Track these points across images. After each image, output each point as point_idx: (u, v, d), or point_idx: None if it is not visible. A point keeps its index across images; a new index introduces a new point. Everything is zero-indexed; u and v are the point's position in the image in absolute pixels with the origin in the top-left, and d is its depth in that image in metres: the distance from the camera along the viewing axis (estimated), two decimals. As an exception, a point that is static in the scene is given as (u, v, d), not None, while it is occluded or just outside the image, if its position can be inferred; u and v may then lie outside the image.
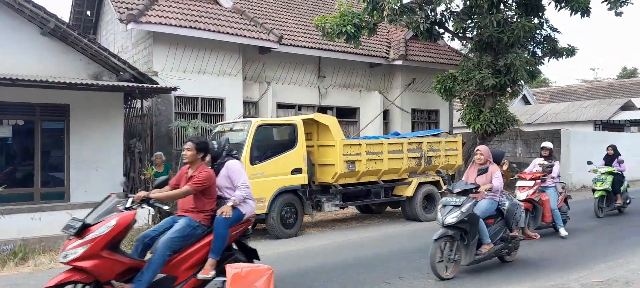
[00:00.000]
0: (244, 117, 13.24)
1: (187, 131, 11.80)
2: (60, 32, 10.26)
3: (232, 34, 12.99)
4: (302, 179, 10.02)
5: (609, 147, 12.36)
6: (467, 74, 14.31)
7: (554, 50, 15.67)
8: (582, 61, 76.54)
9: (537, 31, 15.06)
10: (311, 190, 10.49)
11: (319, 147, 10.78)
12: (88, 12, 16.30)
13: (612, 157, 12.04)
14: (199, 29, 12.49)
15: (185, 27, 12.29)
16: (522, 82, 15.01)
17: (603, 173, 11.53)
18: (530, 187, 8.72)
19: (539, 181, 8.88)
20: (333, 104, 15.97)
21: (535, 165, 9.70)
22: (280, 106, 14.85)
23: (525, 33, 13.52)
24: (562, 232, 9.21)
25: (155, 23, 11.89)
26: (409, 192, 11.34)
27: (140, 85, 10.44)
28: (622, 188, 11.93)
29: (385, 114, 17.10)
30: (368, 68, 16.66)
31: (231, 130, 10.09)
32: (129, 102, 12.67)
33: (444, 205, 6.64)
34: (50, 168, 11.13)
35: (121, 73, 10.94)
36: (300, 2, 17.63)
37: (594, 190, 11.65)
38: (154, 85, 10.67)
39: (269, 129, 10.26)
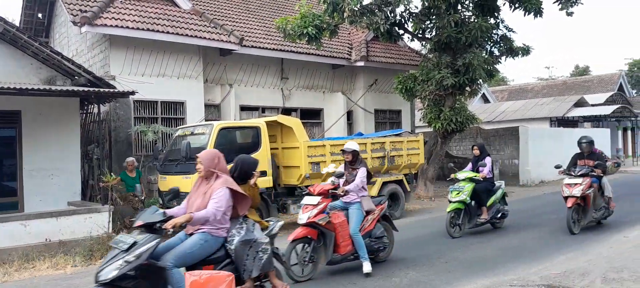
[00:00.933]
0: (205, 120, 13.03)
1: (147, 136, 11.52)
2: (10, 35, 9.83)
3: (191, 36, 12.78)
4: (266, 182, 9.93)
5: (474, 146, 9.81)
6: (427, 74, 14.57)
7: (510, 50, 16.15)
8: (538, 60, 79.33)
9: (494, 31, 15.49)
10: (276, 192, 10.42)
11: (283, 149, 10.72)
12: (40, 15, 15.69)
13: (478, 158, 9.53)
14: (157, 31, 12.21)
15: (143, 29, 11.99)
16: (481, 81, 15.41)
17: (462, 180, 9.08)
18: (314, 206, 6.50)
19: (330, 197, 6.73)
20: (297, 105, 15.93)
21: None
22: (243, 108, 14.69)
23: (482, 33, 13.87)
24: (366, 267, 6.63)
25: (111, 26, 11.56)
26: (373, 191, 11.39)
27: (96, 89, 10.10)
28: (492, 199, 9.37)
29: (349, 114, 17.18)
30: (331, 69, 16.71)
31: (192, 134, 9.90)
32: (85, 108, 12.26)
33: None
34: (2, 177, 10.64)
35: (76, 77, 10.57)
36: (260, 3, 17.52)
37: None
38: (111, 90, 10.35)
39: (231, 131, 10.12)
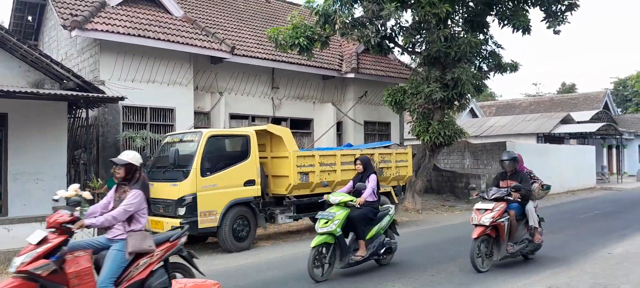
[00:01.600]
0: (195, 128, 12.99)
1: (135, 142, 11.44)
2: (-2, 37, 9.72)
3: (182, 43, 12.76)
4: (255, 191, 9.90)
5: (357, 160, 8.12)
6: (416, 87, 14.68)
7: (499, 66, 16.36)
8: (526, 76, 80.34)
9: (483, 47, 15.69)
10: (264, 202, 10.38)
11: (272, 158, 10.71)
12: (30, 18, 15.58)
13: (362, 175, 7.85)
14: (148, 37, 12.18)
15: (134, 35, 11.96)
16: (469, 95, 15.57)
17: (334, 205, 7.25)
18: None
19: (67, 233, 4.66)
20: (287, 115, 15.94)
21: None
22: (233, 117, 14.67)
23: (472, 48, 14.04)
24: None
25: (101, 30, 11.51)
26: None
27: (85, 94, 10.02)
28: (373, 230, 7.51)
29: (339, 125, 17.23)
30: (321, 80, 16.78)
31: (181, 141, 9.85)
32: (73, 112, 12.15)
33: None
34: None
35: (65, 81, 10.48)
36: (253, 13, 17.57)
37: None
38: (100, 95, 10.27)
39: (220, 139, 10.09)
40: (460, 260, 8.28)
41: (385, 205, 8.24)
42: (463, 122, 26.41)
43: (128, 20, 12.33)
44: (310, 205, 11.00)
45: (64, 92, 9.78)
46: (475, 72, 15.51)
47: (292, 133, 11.20)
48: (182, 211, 8.98)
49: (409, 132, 16.97)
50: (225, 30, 15.13)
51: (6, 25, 15.33)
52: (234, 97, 14.72)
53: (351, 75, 16.52)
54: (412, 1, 13.69)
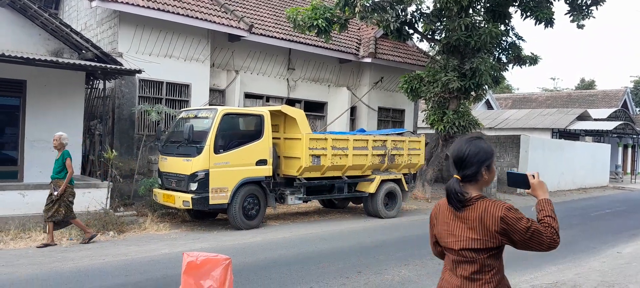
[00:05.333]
0: (210, 105, 13.05)
1: (150, 115, 11.54)
2: (20, 4, 9.82)
3: (201, 19, 12.75)
4: (266, 171, 9.96)
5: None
6: (433, 75, 14.56)
7: (518, 58, 16.14)
8: (544, 70, 79.09)
9: (503, 38, 15.46)
10: (275, 182, 10.45)
11: (285, 139, 10.74)
12: (51, -14, 15.66)
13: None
14: (168, 11, 12.19)
15: (153, 8, 11.97)
16: (486, 86, 15.40)
17: None
18: None
19: None
20: (301, 97, 15.93)
21: None
22: (248, 96, 14.70)
23: (492, 39, 13.84)
24: None
25: (121, 2, 11.53)
26: (371, 188, 11.45)
27: (103, 65, 10.12)
28: None
29: (353, 110, 17.19)
30: (337, 63, 16.69)
31: (196, 117, 9.92)
32: (91, 83, 12.27)
33: None
34: (3, 146, 10.68)
35: (83, 52, 10.58)
36: (272, -8, 17.47)
37: None
38: (118, 67, 10.36)
39: (235, 118, 10.15)
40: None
41: None
42: (478, 113, 26.18)
43: (148, -6, 12.34)
44: (321, 187, 11.06)
45: (82, 62, 9.87)
46: (494, 63, 15.31)
47: (306, 115, 11.21)
48: (194, 186, 9.09)
49: (423, 121, 16.85)
50: (244, 8, 15.08)
51: (28, -8, 15.43)
52: (250, 76, 14.73)
53: (368, 60, 16.42)
54: (434, -12, 13.51)
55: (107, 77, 11.15)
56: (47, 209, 7.91)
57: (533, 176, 2.41)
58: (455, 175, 2.40)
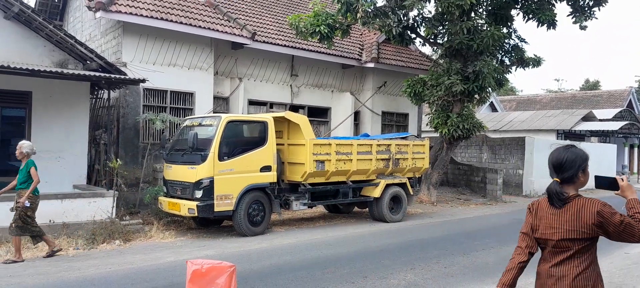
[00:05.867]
0: (214, 112, 13.10)
1: (155, 124, 11.60)
2: (25, 16, 9.93)
3: (204, 27, 12.84)
4: (271, 177, 9.99)
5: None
6: (436, 79, 14.56)
7: (521, 60, 16.12)
8: (548, 71, 78.89)
9: (506, 40, 15.46)
10: (280, 188, 10.46)
11: (289, 145, 10.77)
12: (55, -2, 15.81)
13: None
14: (171, 21, 12.28)
15: (157, 18, 12.06)
16: (490, 89, 15.39)
17: None
18: None
19: None
20: (305, 102, 15.97)
21: None
22: (251, 103, 14.75)
23: (494, 41, 13.85)
24: None
25: (125, 13, 11.63)
26: (376, 193, 11.45)
27: (107, 75, 10.20)
28: None
29: (356, 115, 17.21)
30: (340, 69, 16.74)
31: (200, 125, 9.97)
32: (95, 92, 12.36)
33: None
34: (10, 156, 10.74)
35: (88, 62, 10.66)
36: (274, -1, 17.56)
37: None
38: (122, 76, 10.43)
39: (239, 125, 10.18)
40: (474, 255, 8.27)
41: None
42: (482, 116, 26.12)
43: (151, 3, 12.44)
44: (325, 193, 11.06)
45: (87, 73, 9.96)
46: (497, 65, 15.31)
47: (310, 121, 11.23)
48: (199, 194, 9.12)
49: (427, 124, 16.87)
50: (247, 15, 15.16)
51: (32, 4, 15.59)
52: (253, 83, 14.78)
53: (371, 65, 16.45)
54: (435, -8, 13.54)
55: (112, 87, 11.24)
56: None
57: (621, 179, 2.81)
58: (554, 178, 2.82)
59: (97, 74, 10.12)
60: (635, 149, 31.51)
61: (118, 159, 10.57)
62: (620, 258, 8.28)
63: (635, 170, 30.97)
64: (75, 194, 9.78)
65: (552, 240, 2.82)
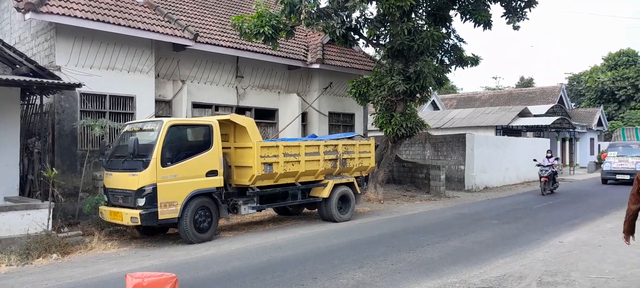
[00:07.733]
0: (156, 117, 12.72)
1: (94, 130, 11.11)
2: (-55, 18, 9.22)
3: (144, 29, 12.43)
4: (217, 182, 9.81)
5: None
6: (379, 79, 14.84)
7: (460, 59, 16.71)
8: (486, 70, 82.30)
9: (445, 40, 15.98)
10: (227, 192, 10.30)
11: (235, 148, 10.62)
12: (-21, -2, 14.80)
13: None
14: (108, 22, 11.81)
15: (92, 19, 11.56)
16: (431, 88, 15.84)
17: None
18: None
19: None
20: (251, 104, 15.82)
21: None
22: (196, 106, 14.44)
23: (434, 42, 14.27)
24: None
25: (57, 14, 11.07)
26: (325, 193, 11.51)
27: (39, 80, 9.65)
28: None
29: (304, 116, 17.23)
30: (287, 70, 16.70)
31: (141, 130, 9.63)
32: (27, 98, 11.68)
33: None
34: None
35: (17, 66, 10.06)
36: (217, 0, 17.27)
37: None
38: (55, 81, 9.90)
39: (182, 129, 9.93)
40: (420, 250, 8.48)
41: None
42: (425, 114, 26.90)
43: (86, 4, 11.90)
44: (274, 195, 11.00)
45: (16, 78, 9.37)
46: (437, 65, 15.78)
47: (257, 123, 11.13)
48: (141, 202, 8.81)
49: (372, 124, 17.15)
50: (189, 16, 14.83)
51: (-47, 5, 14.52)
52: (197, 86, 14.48)
53: (316, 66, 16.52)
54: (377, -7, 13.78)
55: (44, 92, 10.64)
56: None
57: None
58: None
59: (28, 78, 9.54)
60: (567, 142, 33.47)
61: (54, 168, 10.03)
62: (555, 247, 8.75)
63: (567, 162, 32.87)
64: (6, 207, 9.18)
65: None
